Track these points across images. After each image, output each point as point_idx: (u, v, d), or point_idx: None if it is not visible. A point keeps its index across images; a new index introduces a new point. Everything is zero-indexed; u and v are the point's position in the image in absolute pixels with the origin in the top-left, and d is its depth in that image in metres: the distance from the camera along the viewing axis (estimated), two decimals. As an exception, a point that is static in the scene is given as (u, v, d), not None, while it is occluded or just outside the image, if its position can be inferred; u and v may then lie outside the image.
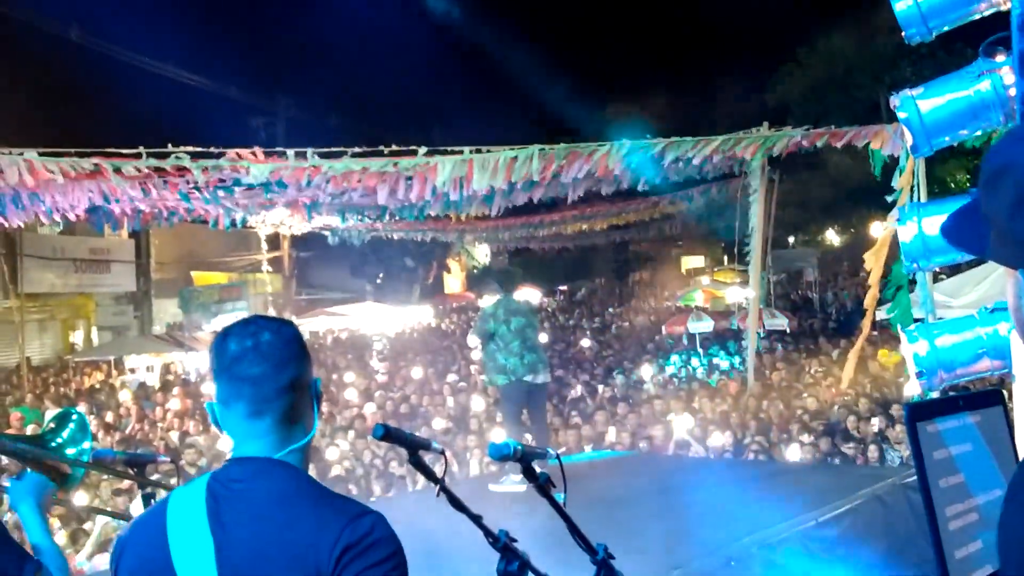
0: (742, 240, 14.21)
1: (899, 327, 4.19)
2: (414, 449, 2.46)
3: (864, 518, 6.45)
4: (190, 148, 10.18)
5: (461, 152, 10.82)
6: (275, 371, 2.07)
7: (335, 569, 1.90)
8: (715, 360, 19.33)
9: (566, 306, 40.00)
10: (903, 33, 4.06)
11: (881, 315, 16.53)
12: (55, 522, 9.25)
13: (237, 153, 10.46)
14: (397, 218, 14.68)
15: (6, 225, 11.30)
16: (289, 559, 1.92)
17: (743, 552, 5.36)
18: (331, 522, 1.95)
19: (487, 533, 2.49)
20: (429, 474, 2.49)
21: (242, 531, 1.97)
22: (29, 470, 2.92)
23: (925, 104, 3.91)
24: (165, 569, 1.98)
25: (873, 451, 10.42)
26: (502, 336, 8.20)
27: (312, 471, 2.21)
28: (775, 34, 31.15)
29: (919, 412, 1.84)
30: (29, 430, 13.98)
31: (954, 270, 14.36)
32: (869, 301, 10.85)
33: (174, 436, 14.59)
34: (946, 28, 4.01)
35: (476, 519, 2.48)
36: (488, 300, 8.81)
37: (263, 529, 1.96)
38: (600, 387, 16.76)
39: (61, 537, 8.95)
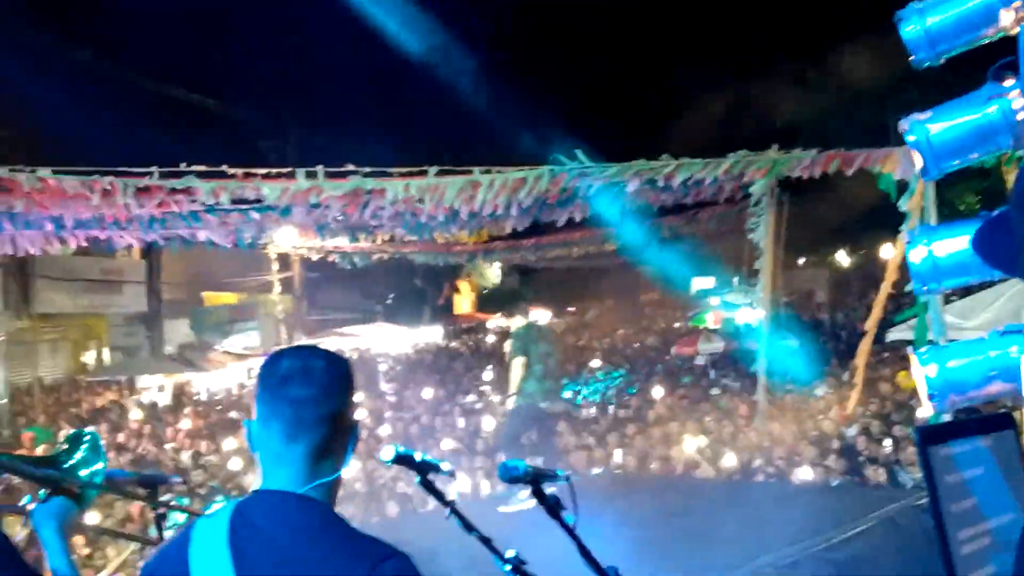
0: (752, 262, 14.16)
1: (910, 350, 4.18)
2: (424, 471, 2.47)
3: (876, 540, 6.41)
4: (202, 167, 10.23)
5: (471, 172, 10.84)
6: (318, 398, 2.08)
7: None
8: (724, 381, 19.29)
9: (576, 327, 39.98)
10: (911, 57, 4.08)
11: (893, 336, 16.50)
12: (79, 540, 9.26)
13: (248, 172, 10.51)
14: (410, 237, 14.64)
15: (15, 253, 11.36)
16: None
17: (755, 575, 5.35)
18: (355, 565, 1.93)
19: (497, 555, 2.49)
20: (439, 496, 2.50)
21: (265, 569, 1.96)
22: (55, 494, 2.91)
23: (934, 128, 3.92)
24: None
25: (882, 473, 10.38)
26: (529, 360, 8.22)
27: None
28: (783, 57, 31.13)
29: (931, 436, 1.84)
30: (40, 450, 14.02)
31: (965, 292, 14.32)
32: (870, 323, 10.84)
33: (185, 456, 14.60)
34: (954, 52, 4.03)
35: (486, 541, 2.48)
36: (512, 320, 8.72)
37: (286, 569, 1.95)
38: (610, 408, 16.75)
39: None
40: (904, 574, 6.39)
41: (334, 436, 2.11)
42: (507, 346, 8.71)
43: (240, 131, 32.79)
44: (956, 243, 3.92)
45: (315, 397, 2.08)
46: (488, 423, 14.75)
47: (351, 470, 12.22)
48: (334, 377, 2.12)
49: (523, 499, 7.45)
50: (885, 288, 10.61)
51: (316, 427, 2.08)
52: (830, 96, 29.21)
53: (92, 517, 10.01)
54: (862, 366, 11.45)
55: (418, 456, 2.47)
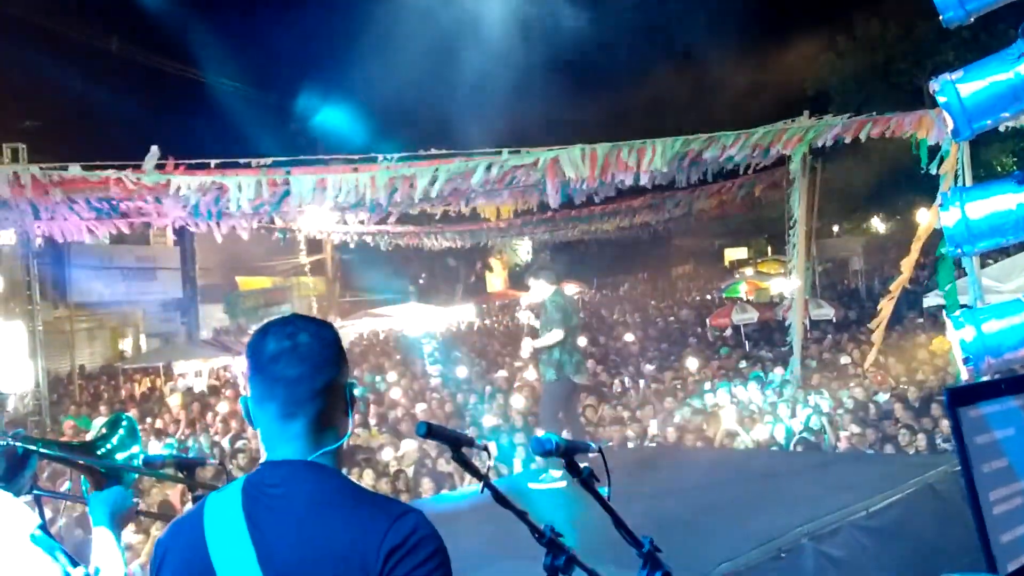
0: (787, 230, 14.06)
1: (944, 313, 4.13)
2: (458, 446, 2.46)
3: (915, 507, 6.38)
4: (227, 159, 10.32)
5: (500, 153, 10.84)
6: (311, 374, 2.07)
7: (383, 571, 1.90)
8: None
9: (609, 301, 39.93)
10: (940, 17, 4.01)
11: (929, 301, 16.36)
12: (130, 527, 9.35)
13: (277, 161, 10.58)
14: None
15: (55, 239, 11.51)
16: (334, 562, 1.92)
17: (793, 544, 5.33)
18: (374, 524, 1.95)
19: (532, 529, 2.49)
20: (473, 471, 2.50)
21: (282, 536, 1.97)
22: (110, 483, 2.93)
23: (965, 88, 3.85)
24: (206, 574, 1.99)
25: (921, 440, 10.31)
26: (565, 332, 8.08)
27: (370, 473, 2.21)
28: (814, 21, 30.75)
29: (960, 397, 1.81)
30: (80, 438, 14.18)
31: (1001, 255, 14.17)
32: (895, 286, 10.76)
33: (224, 440, 14.68)
34: (984, 10, 3.96)
35: (521, 515, 2.48)
36: (540, 285, 8.35)
37: (304, 533, 1.96)
38: (641, 382, 16.72)
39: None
40: (943, 539, 6.36)
41: (331, 406, 2.11)
42: (538, 317, 8.29)
43: (268, 114, 32.86)
44: (990, 204, 3.86)
45: (307, 374, 2.07)
46: (521, 400, 14.75)
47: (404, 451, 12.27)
48: (323, 349, 2.11)
49: (556, 477, 7.46)
50: (914, 252, 10.50)
51: (312, 402, 2.08)
52: (863, 60, 28.82)
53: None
54: (881, 327, 11.36)
55: (450, 430, 2.48)
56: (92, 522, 2.81)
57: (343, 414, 2.15)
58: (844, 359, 16.17)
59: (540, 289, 8.28)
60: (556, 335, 8.03)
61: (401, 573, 1.91)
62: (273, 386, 2.08)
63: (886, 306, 11.14)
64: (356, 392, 2.24)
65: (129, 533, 9.71)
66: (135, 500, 2.95)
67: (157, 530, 9.45)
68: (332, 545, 1.94)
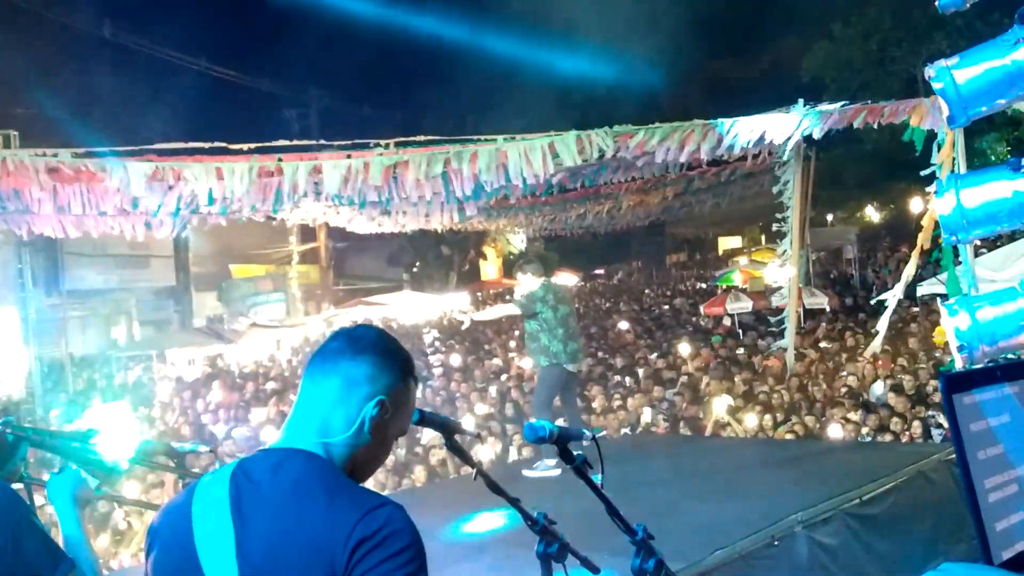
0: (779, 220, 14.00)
1: (939, 301, 4.11)
2: (450, 433, 2.45)
3: (909, 496, 6.40)
4: (220, 144, 10.21)
5: (495, 141, 10.76)
6: (325, 372, 2.12)
7: (349, 562, 1.86)
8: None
9: (604, 290, 39.96)
10: (936, 3, 4.00)
11: (923, 290, 16.36)
12: (119, 513, 9.36)
13: (267, 146, 10.49)
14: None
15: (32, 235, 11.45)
16: (305, 552, 1.89)
17: (786, 531, 5.33)
18: (345, 515, 1.91)
19: (526, 516, 2.48)
20: (466, 458, 2.49)
21: (260, 523, 1.95)
22: (68, 465, 2.95)
23: (961, 74, 3.82)
24: (190, 559, 1.97)
25: (917, 428, 10.33)
26: (547, 320, 8.06)
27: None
28: (808, 9, 30.67)
29: (955, 383, 1.80)
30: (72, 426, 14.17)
31: (994, 244, 14.19)
32: (904, 279, 10.74)
33: (215, 428, 14.68)
34: (979, -2, 3.95)
35: (514, 502, 2.47)
36: (528, 279, 8.39)
37: (279, 523, 1.93)
38: (639, 371, 16.72)
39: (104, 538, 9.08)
40: (936, 528, 6.37)
41: (330, 404, 2.10)
42: (518, 308, 8.46)
43: (262, 100, 32.85)
44: (985, 191, 3.84)
45: (320, 370, 2.13)
46: (515, 389, 14.75)
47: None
48: (343, 361, 2.12)
49: (550, 466, 7.47)
50: (921, 240, 10.47)
51: (313, 396, 2.12)
52: (858, 47, 28.81)
53: (131, 488, 10.16)
54: (885, 317, 11.37)
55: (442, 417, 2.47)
56: (55, 503, 2.82)
57: (351, 419, 2.10)
58: (837, 346, 16.20)
59: (528, 283, 8.33)
60: (506, 309, 8.63)
61: (367, 567, 1.86)
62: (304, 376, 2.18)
63: (890, 300, 11.12)
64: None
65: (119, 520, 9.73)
66: (95, 482, 2.95)
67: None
68: (304, 536, 1.90)
